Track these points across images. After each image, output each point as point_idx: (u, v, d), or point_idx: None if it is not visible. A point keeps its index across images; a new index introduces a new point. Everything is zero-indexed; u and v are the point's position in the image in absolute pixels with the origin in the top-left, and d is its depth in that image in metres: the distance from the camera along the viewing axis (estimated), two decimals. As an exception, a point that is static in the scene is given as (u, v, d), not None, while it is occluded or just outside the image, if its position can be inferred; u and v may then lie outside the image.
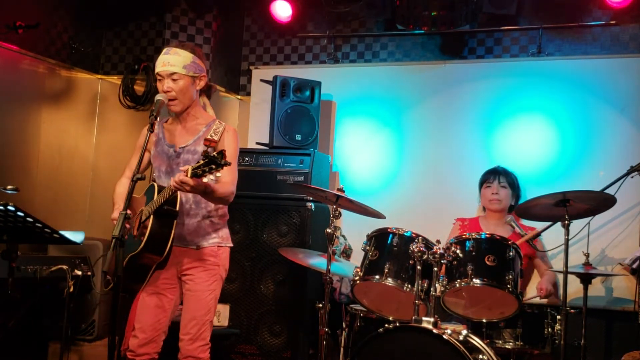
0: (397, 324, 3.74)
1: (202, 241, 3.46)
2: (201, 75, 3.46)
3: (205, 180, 3.04)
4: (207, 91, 3.59)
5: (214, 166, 2.99)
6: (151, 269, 3.40)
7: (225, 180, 3.31)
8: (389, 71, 5.64)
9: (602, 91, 4.99)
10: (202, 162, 3.01)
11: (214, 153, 3.00)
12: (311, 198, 4.92)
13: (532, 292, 4.58)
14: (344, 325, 4.29)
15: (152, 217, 3.26)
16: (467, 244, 3.80)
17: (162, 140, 3.51)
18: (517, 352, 4.02)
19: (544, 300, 4.51)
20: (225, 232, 3.56)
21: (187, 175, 3.06)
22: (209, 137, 3.36)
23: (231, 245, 3.59)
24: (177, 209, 3.32)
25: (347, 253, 5.16)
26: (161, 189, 3.33)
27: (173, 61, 3.37)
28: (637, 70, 4.94)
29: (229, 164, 3.02)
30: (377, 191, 5.41)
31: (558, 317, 4.02)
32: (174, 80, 3.37)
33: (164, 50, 3.44)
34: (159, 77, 3.41)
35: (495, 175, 4.76)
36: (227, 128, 3.45)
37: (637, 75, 4.93)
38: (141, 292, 3.50)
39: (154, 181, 3.49)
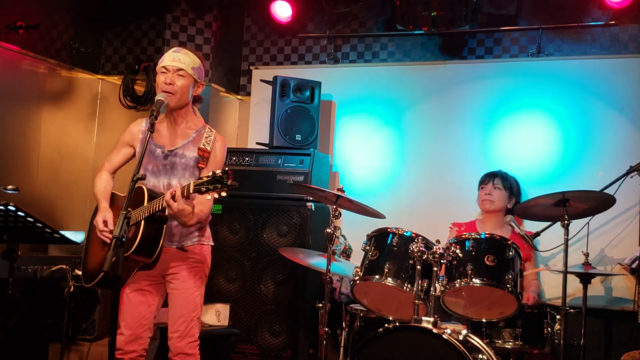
0: (397, 324, 3.74)
1: (187, 240, 3.51)
2: (201, 82, 3.54)
3: (208, 197, 3.07)
4: (196, 100, 3.64)
5: (219, 185, 3.02)
6: (136, 269, 3.42)
7: (206, 198, 3.24)
8: (388, 71, 5.64)
9: (602, 91, 4.99)
10: (205, 179, 3.05)
11: (220, 173, 3.03)
12: (311, 198, 4.92)
13: None
14: (344, 325, 4.30)
15: (143, 221, 3.29)
16: (467, 243, 3.80)
17: (150, 139, 3.52)
18: (517, 352, 4.03)
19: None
20: (207, 231, 3.61)
21: (190, 191, 3.10)
22: (202, 146, 3.44)
23: (212, 244, 3.63)
24: (167, 213, 3.35)
25: (347, 253, 5.16)
26: (151, 194, 3.35)
27: (183, 59, 3.45)
28: (636, 70, 4.95)
29: (236, 185, 3.05)
30: (377, 191, 5.41)
31: (557, 316, 4.02)
32: (179, 76, 3.43)
33: (174, 49, 3.52)
34: (163, 70, 3.44)
35: (491, 177, 4.77)
36: (217, 137, 3.52)
37: (636, 75, 4.93)
38: (125, 290, 3.52)
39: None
